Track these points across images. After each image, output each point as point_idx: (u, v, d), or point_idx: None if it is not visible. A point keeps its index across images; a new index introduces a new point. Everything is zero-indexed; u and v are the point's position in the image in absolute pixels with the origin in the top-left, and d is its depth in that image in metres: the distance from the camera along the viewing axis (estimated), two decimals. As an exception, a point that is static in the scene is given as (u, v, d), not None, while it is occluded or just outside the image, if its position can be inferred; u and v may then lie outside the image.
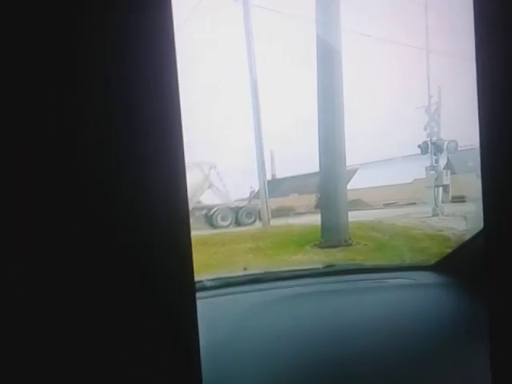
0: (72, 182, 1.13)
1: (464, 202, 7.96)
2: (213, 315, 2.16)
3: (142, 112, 1.12)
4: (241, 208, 12.76)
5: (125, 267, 1.14)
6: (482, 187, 1.26)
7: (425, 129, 9.10)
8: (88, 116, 1.12)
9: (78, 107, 1.11)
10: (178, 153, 1.18)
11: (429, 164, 9.19)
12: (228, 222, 12.59)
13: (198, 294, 1.39)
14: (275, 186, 11.61)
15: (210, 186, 13.68)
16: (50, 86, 1.08)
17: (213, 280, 2.57)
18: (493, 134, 1.22)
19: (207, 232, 9.19)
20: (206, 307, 2.15)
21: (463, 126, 7.37)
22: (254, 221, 12.04)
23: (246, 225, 11.59)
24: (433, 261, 2.71)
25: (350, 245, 7.50)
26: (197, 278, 1.32)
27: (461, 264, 2.40)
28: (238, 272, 2.97)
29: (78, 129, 1.10)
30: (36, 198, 1.09)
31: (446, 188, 8.95)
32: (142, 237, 1.15)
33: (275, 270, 2.90)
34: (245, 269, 3.32)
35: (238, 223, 12.67)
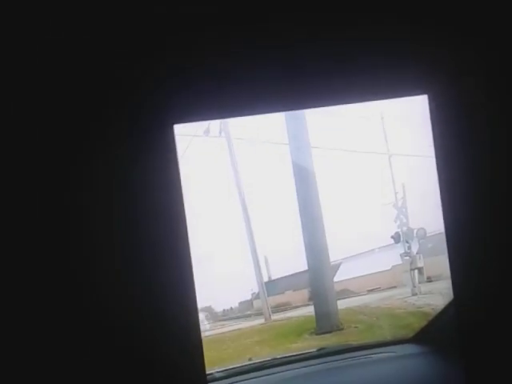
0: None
1: (438, 280, 8.10)
2: None
3: (151, 226, 1.27)
4: None
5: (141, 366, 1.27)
6: (449, 266, 1.43)
7: (395, 221, 9.44)
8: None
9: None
10: (184, 253, 1.32)
11: (403, 251, 9.43)
12: None
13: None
14: (272, 286, 11.67)
15: None
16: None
17: (221, 371, 2.62)
18: (455, 220, 1.42)
19: (219, 331, 9.20)
20: None
21: (428, 215, 7.61)
22: None
23: None
24: (412, 334, 2.88)
25: (342, 329, 7.59)
26: (209, 370, 1.39)
27: (435, 334, 2.57)
28: (243, 362, 3.06)
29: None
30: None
31: (420, 270, 9.15)
32: (154, 338, 1.28)
33: (276, 357, 2.95)
34: (250, 359, 3.35)
35: None
